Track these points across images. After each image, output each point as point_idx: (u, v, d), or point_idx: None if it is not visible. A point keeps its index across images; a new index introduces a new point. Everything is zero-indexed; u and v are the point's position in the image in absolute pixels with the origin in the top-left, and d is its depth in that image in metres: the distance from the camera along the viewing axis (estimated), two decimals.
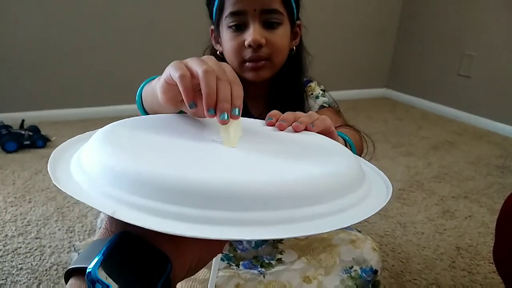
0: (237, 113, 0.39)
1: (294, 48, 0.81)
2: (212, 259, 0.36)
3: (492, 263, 1.16)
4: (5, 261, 1.09)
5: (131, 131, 0.40)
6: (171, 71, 0.40)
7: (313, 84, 0.88)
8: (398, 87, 3.14)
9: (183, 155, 0.36)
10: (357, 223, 0.32)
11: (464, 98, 2.64)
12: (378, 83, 3.22)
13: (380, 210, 0.35)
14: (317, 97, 0.85)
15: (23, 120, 1.95)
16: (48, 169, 0.35)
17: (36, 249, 1.14)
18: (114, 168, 0.32)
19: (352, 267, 0.72)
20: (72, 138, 0.43)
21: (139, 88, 0.59)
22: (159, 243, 0.31)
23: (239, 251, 0.77)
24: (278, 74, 0.79)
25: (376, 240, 1.26)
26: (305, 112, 0.83)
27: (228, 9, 0.73)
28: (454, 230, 1.35)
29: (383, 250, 1.22)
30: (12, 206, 1.36)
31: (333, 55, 2.89)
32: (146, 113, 0.58)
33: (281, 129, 0.47)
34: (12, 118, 2.03)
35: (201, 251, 0.34)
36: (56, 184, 0.32)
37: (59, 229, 1.24)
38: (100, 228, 0.34)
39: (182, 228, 0.28)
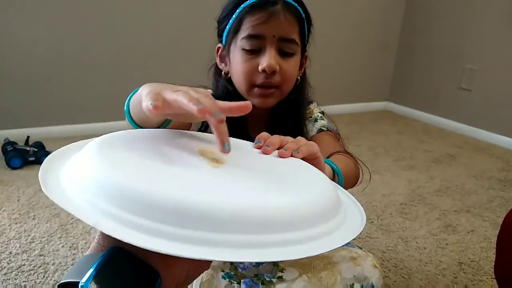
0: (227, 148, 0.40)
1: (299, 78, 0.81)
2: (200, 274, 0.38)
3: (494, 278, 1.16)
4: (9, 279, 1.09)
5: (124, 144, 0.42)
6: (182, 98, 0.40)
7: (312, 106, 0.88)
8: (399, 101, 3.16)
9: (168, 172, 0.37)
10: (324, 253, 0.33)
11: (465, 111, 2.65)
12: (379, 97, 3.24)
13: (352, 240, 0.36)
14: (315, 120, 0.85)
15: (28, 137, 1.98)
16: (39, 175, 0.37)
17: (40, 267, 1.15)
18: (101, 180, 0.34)
19: (353, 284, 0.72)
20: (66, 146, 0.44)
21: (128, 98, 0.60)
22: (149, 259, 0.32)
23: (240, 269, 0.77)
24: (280, 102, 0.79)
25: (378, 255, 1.26)
26: (303, 136, 0.84)
27: (245, 31, 0.72)
28: (457, 245, 1.35)
29: (385, 266, 1.22)
30: (16, 223, 1.37)
31: (335, 69, 2.92)
32: (134, 121, 0.60)
33: (266, 153, 0.49)
34: (17, 134, 2.05)
35: (189, 266, 0.36)
36: (44, 191, 0.34)
37: (62, 246, 1.25)
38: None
39: (154, 243, 0.30)
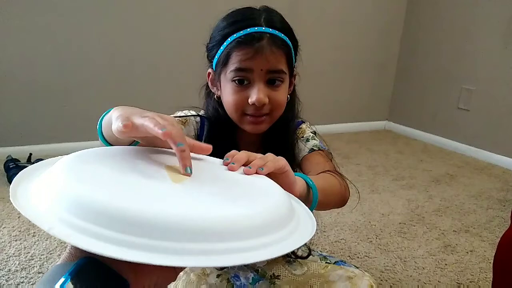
0: (189, 171, 0.45)
1: (289, 96, 0.83)
2: (167, 285, 0.40)
3: None
4: None
5: (93, 160, 0.44)
6: (149, 124, 0.44)
7: (304, 126, 0.89)
8: (399, 120, 3.19)
9: (127, 186, 0.39)
10: (256, 261, 0.35)
11: (464, 131, 2.67)
12: (379, 116, 3.27)
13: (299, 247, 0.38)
14: (307, 140, 0.86)
15: (30, 154, 2.00)
16: (11, 186, 0.38)
17: None
18: (60, 190, 0.36)
19: None
20: (39, 162, 0.47)
21: (100, 118, 0.62)
22: (119, 269, 0.35)
23: None
24: None
25: (376, 275, 1.26)
26: (294, 155, 0.84)
27: (234, 64, 0.73)
28: (455, 265, 1.35)
29: (384, 286, 1.21)
30: (16, 240, 1.38)
31: (335, 89, 2.96)
32: (106, 141, 0.61)
33: (232, 170, 0.51)
34: (19, 151, 2.07)
35: (157, 278, 0.38)
36: (12, 200, 0.36)
37: None
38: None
39: (101, 247, 0.31)
